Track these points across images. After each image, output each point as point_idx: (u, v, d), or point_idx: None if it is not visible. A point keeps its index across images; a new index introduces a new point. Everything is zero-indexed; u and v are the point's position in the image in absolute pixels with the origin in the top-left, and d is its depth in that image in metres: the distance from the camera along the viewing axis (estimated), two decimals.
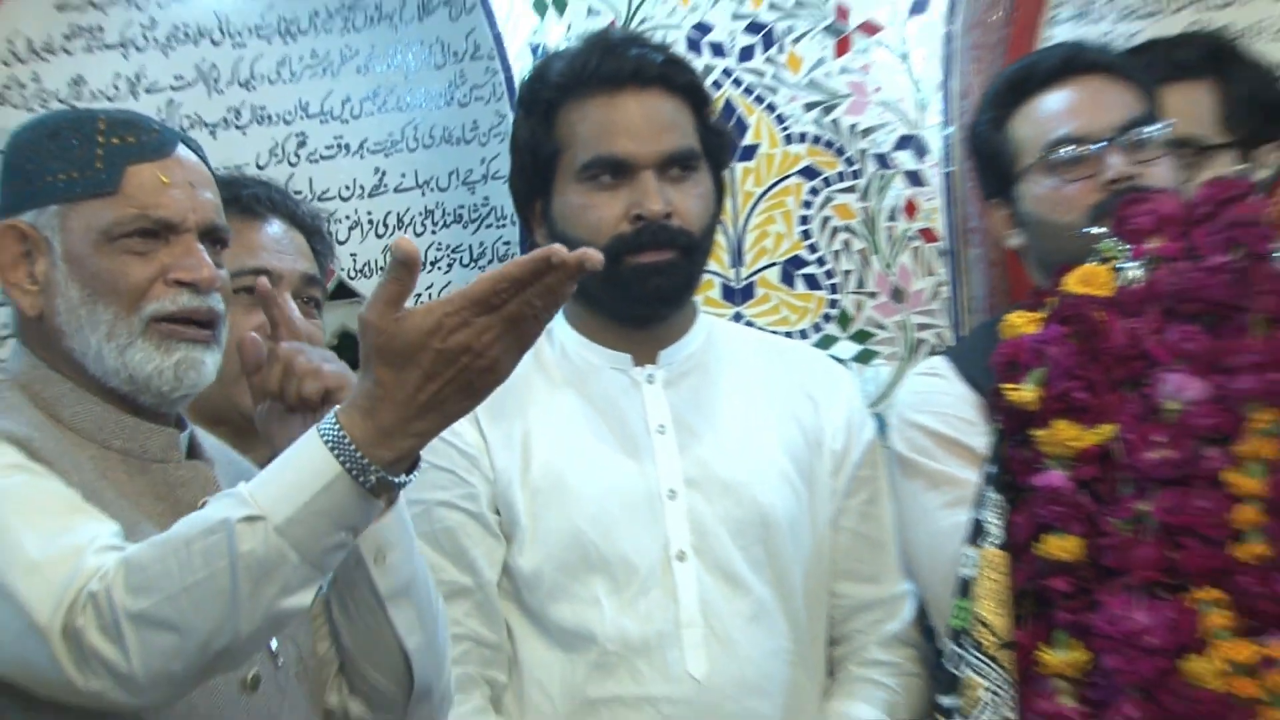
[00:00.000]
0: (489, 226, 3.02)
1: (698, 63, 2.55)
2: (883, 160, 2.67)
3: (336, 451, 1.60)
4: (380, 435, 1.61)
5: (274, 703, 1.87)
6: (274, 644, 1.88)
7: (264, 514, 1.59)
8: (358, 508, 1.63)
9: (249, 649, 1.66)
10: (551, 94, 2.32)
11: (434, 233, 3.06)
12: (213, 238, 1.86)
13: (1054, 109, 2.32)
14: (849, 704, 2.29)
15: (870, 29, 2.66)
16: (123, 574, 1.58)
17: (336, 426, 1.62)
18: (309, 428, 1.83)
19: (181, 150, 1.87)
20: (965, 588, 1.87)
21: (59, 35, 3.10)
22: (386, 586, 1.89)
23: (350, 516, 1.64)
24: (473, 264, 3.04)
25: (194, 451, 1.93)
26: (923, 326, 2.65)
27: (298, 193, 3.00)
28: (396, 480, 1.65)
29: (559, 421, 2.30)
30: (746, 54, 2.68)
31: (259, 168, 3.01)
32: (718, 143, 2.37)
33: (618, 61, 2.30)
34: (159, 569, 1.58)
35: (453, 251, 3.06)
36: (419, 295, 3.01)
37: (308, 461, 1.63)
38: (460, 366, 1.58)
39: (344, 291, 3.07)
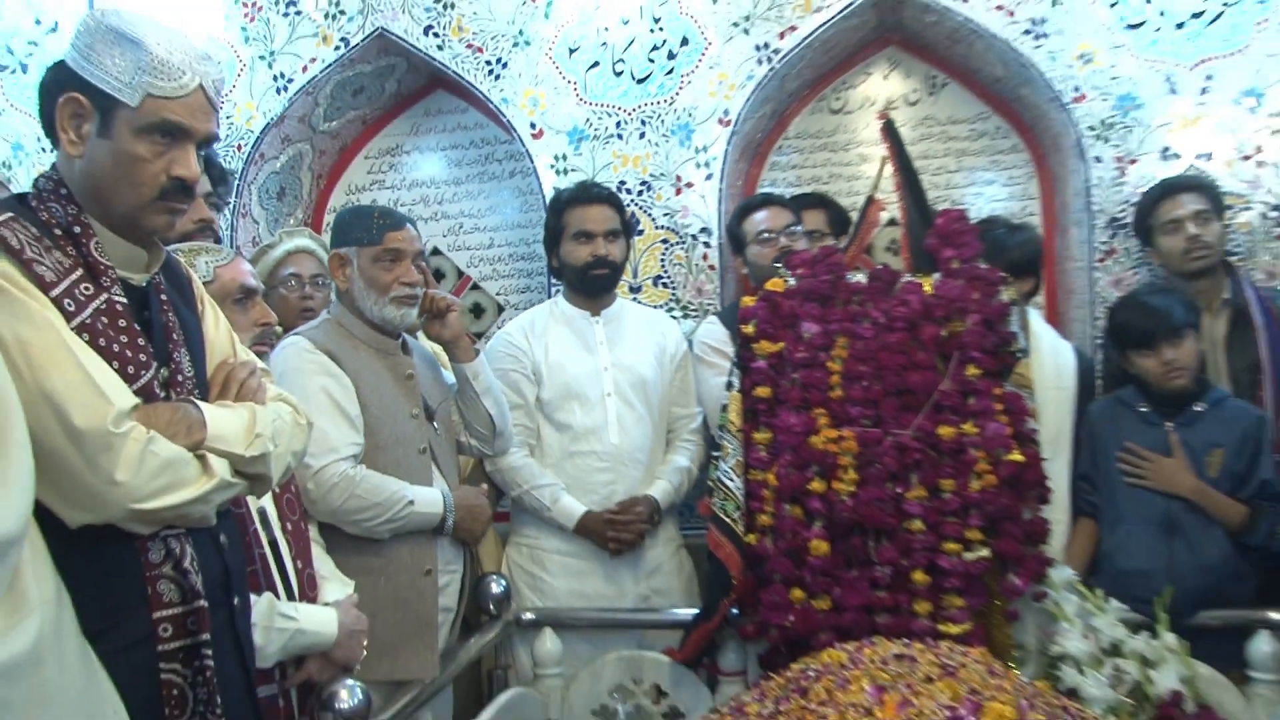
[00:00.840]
0: (536, 260, 2.70)
1: (623, 195, 2.28)
2: (694, 237, 2.39)
3: (446, 508, 1.61)
4: (458, 512, 1.63)
5: (437, 454, 1.65)
6: (436, 424, 1.66)
7: (414, 502, 1.53)
8: (432, 527, 1.61)
9: (357, 530, 1.54)
10: (561, 205, 2.05)
11: (514, 264, 2.73)
12: (418, 261, 1.63)
13: (759, 218, 2.09)
14: (674, 456, 2.04)
15: (690, 184, 2.39)
16: (341, 483, 1.50)
17: (452, 503, 1.61)
18: (444, 326, 1.70)
19: (408, 225, 1.62)
20: (725, 408, 1.66)
21: (367, 182, 2.80)
22: (479, 388, 1.70)
23: (430, 526, 1.60)
24: (529, 276, 2.75)
25: (405, 349, 1.67)
26: (708, 305, 2.39)
27: (458, 248, 2.73)
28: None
29: (559, 339, 2.03)
30: (640, 193, 2.40)
31: (444, 237, 2.73)
32: (628, 227, 2.10)
33: (589, 193, 2.04)
34: (363, 494, 1.51)
35: (522, 272, 2.76)
36: (512, 284, 2.72)
37: (436, 500, 1.60)
38: (475, 518, 1.67)
39: (475, 286, 2.79)
